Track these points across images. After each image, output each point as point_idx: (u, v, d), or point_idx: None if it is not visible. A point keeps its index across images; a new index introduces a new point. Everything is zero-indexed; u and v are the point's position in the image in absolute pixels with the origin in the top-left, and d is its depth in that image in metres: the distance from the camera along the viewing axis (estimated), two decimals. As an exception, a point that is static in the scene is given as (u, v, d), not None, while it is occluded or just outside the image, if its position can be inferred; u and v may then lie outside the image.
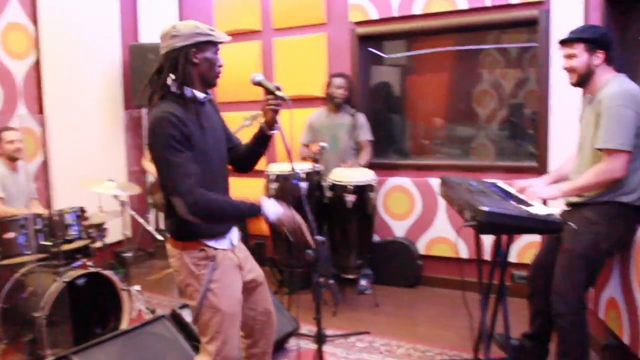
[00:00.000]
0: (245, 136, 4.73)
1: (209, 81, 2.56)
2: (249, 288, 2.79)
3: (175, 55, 2.44)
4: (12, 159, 4.50)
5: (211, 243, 2.58)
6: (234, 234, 2.75)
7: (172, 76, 2.46)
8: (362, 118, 5.08)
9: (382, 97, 5.83)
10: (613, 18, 3.67)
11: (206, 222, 2.51)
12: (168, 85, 2.47)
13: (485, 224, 2.63)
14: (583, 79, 3.12)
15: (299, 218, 2.55)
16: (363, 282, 5.12)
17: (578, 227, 3.03)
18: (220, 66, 2.58)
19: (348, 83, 5.01)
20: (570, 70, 3.15)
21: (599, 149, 2.95)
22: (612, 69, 3.11)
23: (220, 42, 2.53)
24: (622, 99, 2.89)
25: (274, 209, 2.51)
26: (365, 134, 5.06)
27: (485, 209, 2.60)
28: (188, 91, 2.48)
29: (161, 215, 6.06)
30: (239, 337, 2.69)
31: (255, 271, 2.85)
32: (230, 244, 2.68)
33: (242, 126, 4.67)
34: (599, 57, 3.05)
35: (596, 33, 3.07)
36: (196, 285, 2.57)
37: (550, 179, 3.44)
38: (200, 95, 2.53)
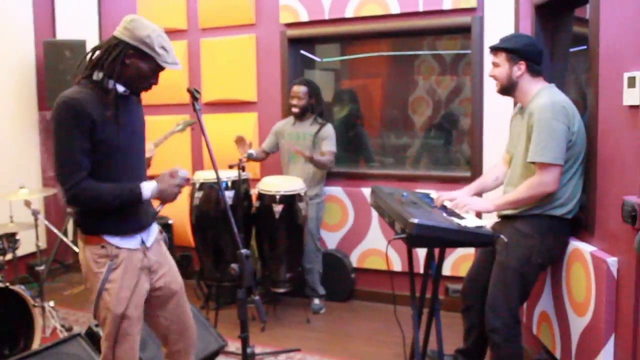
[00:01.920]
0: (174, 140, 4.71)
1: (130, 87, 2.57)
2: (161, 296, 2.76)
3: (114, 45, 2.47)
4: None
5: (114, 240, 2.56)
6: (150, 234, 2.73)
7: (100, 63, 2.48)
8: (328, 129, 4.92)
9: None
10: (542, 27, 3.77)
11: (86, 208, 2.52)
12: (94, 71, 2.49)
13: (415, 236, 2.62)
14: (506, 89, 3.21)
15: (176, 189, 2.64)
16: (316, 301, 5.07)
17: (510, 240, 3.08)
18: (151, 84, 2.60)
19: (308, 90, 4.89)
20: (493, 77, 3.24)
21: (532, 162, 3.01)
22: (540, 79, 3.18)
23: (161, 67, 2.53)
24: (552, 112, 2.94)
25: (150, 187, 2.56)
26: (328, 144, 4.86)
27: (415, 221, 2.60)
28: (110, 83, 2.48)
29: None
30: (136, 342, 2.66)
31: (170, 278, 2.80)
32: (140, 243, 2.65)
33: (173, 131, 4.59)
34: (520, 67, 3.12)
35: (518, 43, 3.13)
36: (94, 283, 2.57)
37: (472, 189, 3.47)
38: (121, 88, 2.53)
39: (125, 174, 2.58)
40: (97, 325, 3.59)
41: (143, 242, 2.66)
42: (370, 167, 5.51)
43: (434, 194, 3.51)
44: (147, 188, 2.55)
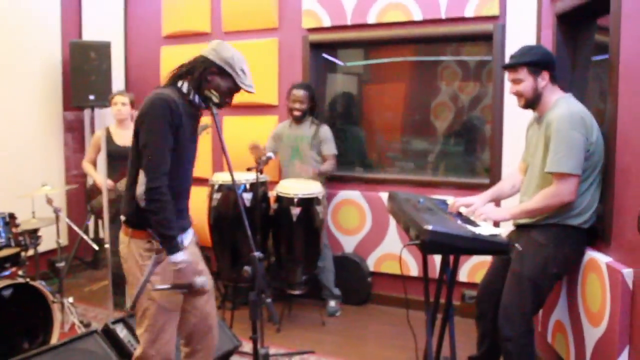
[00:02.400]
0: (200, 142, 4.74)
1: (206, 100, 2.76)
2: (192, 293, 2.84)
3: (201, 62, 2.72)
4: None
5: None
6: (187, 235, 2.89)
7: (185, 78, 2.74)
8: (326, 131, 5.01)
9: (336, 106, 5.84)
10: (564, 35, 3.75)
11: (145, 210, 2.61)
12: (177, 81, 2.75)
13: (428, 243, 2.63)
14: (531, 102, 3.17)
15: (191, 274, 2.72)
16: (332, 303, 5.09)
17: (526, 249, 3.07)
18: (226, 103, 2.79)
19: (308, 94, 4.96)
20: (517, 94, 3.19)
21: (550, 173, 3.00)
22: (558, 88, 3.17)
23: (239, 87, 2.73)
24: (571, 122, 2.93)
25: (180, 258, 2.66)
26: (329, 147, 4.99)
27: (429, 227, 2.61)
28: (193, 95, 2.73)
29: (100, 223, 5.93)
30: (174, 335, 2.80)
31: (202, 276, 2.87)
32: (180, 243, 2.74)
33: None
34: (544, 77, 3.09)
35: (537, 54, 3.11)
36: (138, 275, 2.69)
37: (489, 196, 3.44)
38: (201, 103, 2.77)
39: (181, 178, 2.78)
40: (114, 323, 3.65)
41: (182, 242, 2.78)
42: (388, 172, 5.50)
43: (450, 200, 3.50)
44: (179, 256, 2.65)
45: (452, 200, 3.44)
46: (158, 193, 2.57)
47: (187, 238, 2.90)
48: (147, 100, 2.64)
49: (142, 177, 2.58)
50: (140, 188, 2.57)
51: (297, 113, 4.94)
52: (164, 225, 2.61)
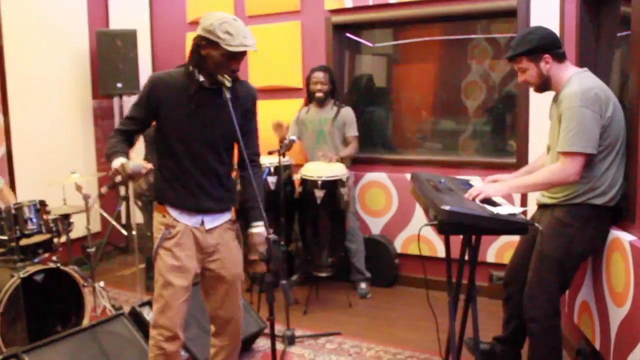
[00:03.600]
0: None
1: (212, 77, 2.70)
2: (211, 277, 2.93)
3: (194, 41, 2.70)
4: None
5: (174, 213, 2.80)
6: (215, 218, 2.88)
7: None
8: (349, 112, 4.99)
9: (362, 88, 5.78)
10: (588, 9, 3.65)
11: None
12: (187, 65, 2.75)
13: (446, 223, 2.60)
14: (543, 87, 3.11)
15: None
16: (363, 285, 5.09)
17: (550, 229, 3.01)
18: (232, 71, 2.69)
19: (329, 76, 4.94)
20: (525, 82, 3.17)
21: (560, 152, 2.93)
22: (568, 62, 3.08)
23: (231, 52, 2.61)
24: (582, 99, 2.84)
25: (120, 161, 2.64)
26: (352, 129, 4.97)
27: (447, 208, 2.58)
28: (198, 75, 2.71)
29: (132, 209, 6.01)
30: (180, 311, 2.81)
31: (224, 265, 2.93)
32: (200, 223, 2.83)
33: None
34: (547, 61, 3.02)
35: (533, 40, 3.02)
36: (153, 246, 2.83)
37: (519, 175, 3.37)
38: (205, 82, 2.72)
39: (187, 158, 2.77)
40: (140, 305, 3.71)
41: (203, 223, 2.83)
42: (416, 153, 5.45)
43: (475, 180, 3.46)
44: (116, 161, 2.64)
45: (478, 180, 3.40)
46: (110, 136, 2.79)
47: (215, 221, 2.87)
48: None
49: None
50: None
51: (319, 94, 4.91)
52: (106, 153, 2.74)
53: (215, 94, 2.72)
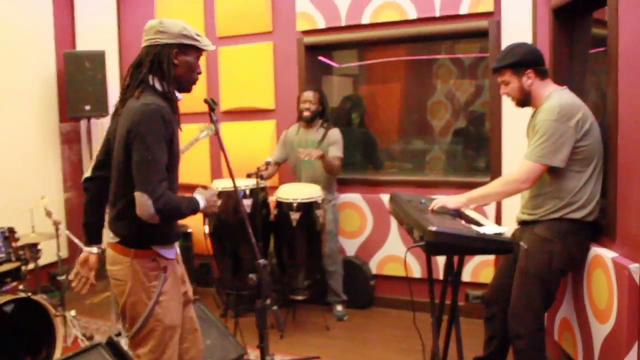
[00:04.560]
0: (193, 149, 4.71)
1: (184, 86, 2.62)
2: (184, 302, 2.80)
3: (158, 51, 2.49)
4: None
5: (164, 252, 2.58)
6: (176, 244, 2.76)
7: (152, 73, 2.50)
8: (335, 133, 4.92)
9: (334, 108, 5.80)
10: (560, 29, 3.73)
11: (164, 221, 2.45)
12: (147, 80, 2.49)
13: (433, 244, 2.61)
14: (523, 101, 3.19)
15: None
16: (339, 308, 5.05)
17: (530, 245, 3.05)
18: (199, 73, 2.63)
19: (318, 97, 4.91)
20: (507, 96, 3.23)
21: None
22: (550, 81, 3.16)
23: (204, 50, 2.59)
24: (557, 114, 2.92)
25: (201, 199, 2.60)
26: (334, 149, 4.86)
27: (434, 228, 2.58)
28: (169, 88, 2.51)
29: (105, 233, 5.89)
30: (176, 349, 2.68)
31: (187, 286, 2.84)
32: (175, 253, 2.69)
33: (197, 138, 4.60)
34: (529, 76, 3.09)
35: (518, 54, 3.10)
36: (143, 297, 2.53)
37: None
38: (179, 95, 2.59)
39: (174, 182, 2.60)
40: (117, 335, 3.62)
41: (177, 252, 2.73)
42: (388, 173, 5.47)
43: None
44: (201, 199, 2.59)
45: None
46: (165, 200, 2.38)
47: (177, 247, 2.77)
48: (136, 111, 2.41)
49: (141, 198, 2.35)
50: (146, 208, 2.35)
51: (307, 114, 4.87)
52: (185, 212, 2.54)
53: (176, 111, 2.61)
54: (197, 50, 2.57)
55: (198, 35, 2.55)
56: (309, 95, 4.90)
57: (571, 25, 3.74)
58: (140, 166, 2.39)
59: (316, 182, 4.84)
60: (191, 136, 4.56)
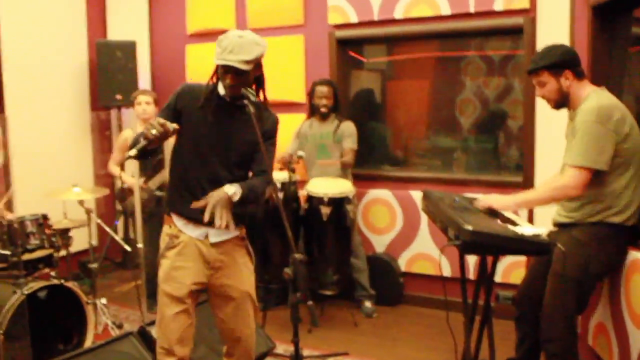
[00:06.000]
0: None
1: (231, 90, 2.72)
2: (218, 295, 2.89)
3: None
4: None
5: (179, 224, 2.80)
6: (221, 234, 2.79)
7: None
8: (349, 126, 4.95)
9: (362, 103, 5.78)
10: (599, 27, 3.68)
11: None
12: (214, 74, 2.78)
13: (469, 243, 2.58)
14: (560, 103, 3.14)
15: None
16: (368, 304, 5.04)
17: (567, 248, 3.01)
18: (228, 86, 2.69)
19: (332, 90, 4.92)
20: (544, 98, 3.17)
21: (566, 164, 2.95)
22: (588, 82, 3.11)
23: (224, 67, 2.64)
24: (596, 115, 2.88)
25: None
26: (348, 142, 4.90)
27: (470, 228, 2.56)
28: (214, 85, 2.76)
29: (131, 223, 5.94)
30: (177, 328, 2.76)
31: (231, 282, 2.87)
32: (204, 236, 2.79)
33: None
34: (567, 77, 3.04)
35: (556, 55, 3.06)
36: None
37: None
38: (222, 92, 2.75)
39: (197, 168, 2.77)
40: (148, 324, 3.64)
41: (207, 237, 2.78)
42: (418, 170, 5.43)
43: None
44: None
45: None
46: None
47: (221, 236, 2.81)
48: None
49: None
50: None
51: (324, 109, 4.89)
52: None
53: (238, 109, 2.74)
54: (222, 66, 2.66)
55: (221, 47, 2.62)
56: (323, 90, 4.90)
57: (611, 24, 3.68)
58: None
59: (329, 175, 4.85)
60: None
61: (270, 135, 2.89)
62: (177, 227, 2.79)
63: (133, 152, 2.48)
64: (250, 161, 2.87)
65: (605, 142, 2.87)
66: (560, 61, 3.04)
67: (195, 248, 2.78)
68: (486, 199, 3.17)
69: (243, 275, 2.92)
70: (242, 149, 2.82)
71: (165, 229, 2.85)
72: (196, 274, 2.79)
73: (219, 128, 2.76)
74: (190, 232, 2.78)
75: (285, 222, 2.55)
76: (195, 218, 2.73)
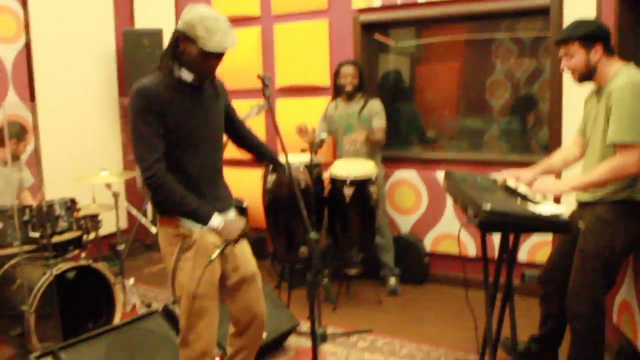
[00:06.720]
0: (254, 124, 4.75)
1: (193, 73, 2.62)
2: (232, 279, 2.86)
3: (173, 33, 2.59)
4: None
5: (187, 223, 2.65)
6: (228, 216, 2.79)
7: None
8: (376, 104, 4.92)
9: (389, 86, 5.75)
10: (626, 7, 3.59)
11: (155, 199, 2.63)
12: (163, 60, 2.60)
13: (487, 222, 2.56)
14: (586, 76, 3.06)
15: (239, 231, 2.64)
16: (392, 282, 5.04)
17: (592, 226, 2.97)
18: (207, 70, 2.62)
19: (357, 70, 4.91)
20: (569, 69, 3.09)
21: (613, 144, 2.88)
22: (616, 58, 3.04)
23: (204, 49, 2.51)
24: (633, 90, 2.81)
25: (217, 221, 2.59)
26: (377, 120, 4.86)
27: (488, 207, 2.54)
28: (178, 71, 2.60)
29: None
30: (213, 322, 2.74)
31: (239, 260, 2.87)
32: (206, 228, 2.67)
33: (248, 115, 4.63)
34: (597, 51, 2.97)
35: (589, 28, 2.98)
36: (169, 261, 2.70)
37: (539, 170, 3.31)
38: (188, 77, 2.61)
39: (197, 161, 2.66)
40: (173, 303, 3.71)
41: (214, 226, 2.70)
42: (444, 151, 5.40)
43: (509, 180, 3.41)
44: (215, 219, 2.58)
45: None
46: (155, 181, 2.50)
47: (221, 221, 2.73)
48: (131, 91, 2.56)
49: (137, 172, 2.51)
50: (139, 181, 2.53)
51: (349, 88, 4.88)
52: (179, 205, 2.56)
53: (198, 89, 2.68)
54: (199, 47, 2.51)
55: (208, 30, 2.48)
56: (349, 69, 4.89)
57: (637, 3, 3.59)
58: (133, 142, 2.56)
59: (358, 155, 4.85)
60: (244, 112, 4.59)
61: (232, 107, 2.97)
62: (185, 226, 2.66)
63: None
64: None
65: None
66: (593, 33, 2.97)
67: (208, 242, 2.70)
68: (539, 184, 3.05)
69: (247, 256, 2.94)
70: (220, 125, 2.83)
71: (170, 231, 2.68)
72: (217, 267, 2.76)
73: (200, 113, 2.67)
74: (200, 227, 2.65)
75: (301, 202, 2.56)
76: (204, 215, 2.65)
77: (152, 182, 2.51)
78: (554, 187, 3.08)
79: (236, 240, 2.61)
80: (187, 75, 2.61)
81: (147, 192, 2.49)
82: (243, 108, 4.28)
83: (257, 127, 5.67)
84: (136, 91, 2.51)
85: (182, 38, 2.54)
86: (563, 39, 3.06)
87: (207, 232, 2.66)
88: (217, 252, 2.57)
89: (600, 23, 3.07)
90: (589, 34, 2.97)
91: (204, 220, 2.57)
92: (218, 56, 2.58)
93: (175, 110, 2.56)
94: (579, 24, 3.03)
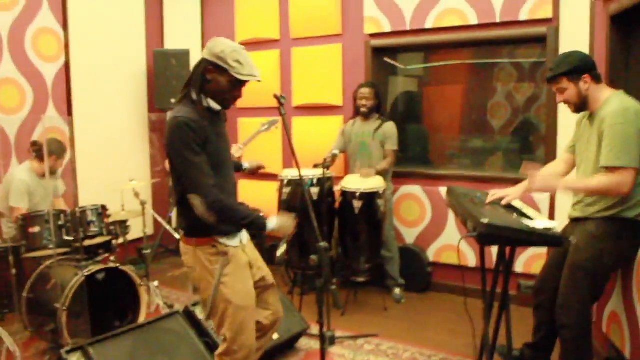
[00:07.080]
0: (267, 141, 4.80)
1: (218, 102, 2.65)
2: (259, 287, 2.88)
3: (198, 65, 2.61)
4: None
5: (223, 240, 2.67)
6: (244, 234, 2.84)
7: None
8: (390, 127, 4.93)
9: (397, 106, 5.78)
10: (618, 36, 3.61)
11: (218, 221, 2.56)
12: (189, 90, 2.60)
13: (485, 235, 2.59)
14: (580, 106, 3.07)
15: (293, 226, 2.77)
16: (397, 291, 5.05)
17: (583, 241, 2.98)
18: (234, 97, 2.65)
19: (373, 92, 4.94)
20: (565, 103, 3.10)
21: (605, 167, 2.88)
22: (604, 84, 3.05)
23: (237, 80, 2.57)
24: (624, 117, 2.82)
25: (274, 223, 2.70)
26: (390, 143, 4.90)
27: (485, 221, 2.57)
28: (204, 100, 2.60)
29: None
30: (254, 327, 2.76)
31: (264, 271, 2.93)
32: (239, 242, 2.77)
33: (259, 131, 4.65)
34: (586, 81, 2.98)
35: (573, 62, 2.99)
36: (210, 279, 2.65)
37: (523, 188, 3.26)
38: (215, 106, 2.64)
39: (225, 183, 2.68)
40: (194, 305, 3.75)
41: (241, 242, 2.78)
42: (447, 168, 5.42)
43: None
44: (273, 222, 2.70)
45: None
46: (218, 204, 2.52)
47: (245, 235, 2.84)
48: (168, 125, 2.54)
49: (195, 200, 2.48)
50: (200, 210, 2.48)
51: (364, 109, 4.90)
52: (239, 220, 2.63)
53: (218, 117, 2.72)
54: (231, 75, 2.55)
55: (238, 62, 2.53)
56: (365, 91, 4.92)
57: (629, 33, 3.61)
58: (186, 173, 2.53)
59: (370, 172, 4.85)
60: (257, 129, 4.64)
61: None
62: (222, 243, 2.67)
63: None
64: None
65: (634, 142, 2.80)
66: (578, 67, 2.99)
67: (240, 255, 2.74)
68: (536, 181, 3.01)
69: (264, 264, 2.98)
70: (230, 147, 2.88)
71: (208, 250, 2.66)
72: (252, 278, 2.81)
73: (223, 138, 2.74)
74: (233, 243, 2.71)
75: (311, 213, 2.61)
76: (234, 230, 2.72)
77: (216, 206, 2.51)
78: (551, 184, 3.07)
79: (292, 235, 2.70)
80: (214, 104, 2.63)
81: (211, 215, 2.49)
82: (258, 124, 4.35)
83: (274, 141, 5.74)
84: (180, 124, 2.48)
85: (211, 69, 2.56)
86: (551, 78, 3.08)
87: (237, 248, 2.73)
88: (283, 248, 2.65)
89: (581, 54, 3.06)
90: (574, 69, 2.99)
91: (264, 225, 2.66)
92: (243, 85, 2.63)
93: (211, 137, 2.57)
94: (563, 60, 3.05)
